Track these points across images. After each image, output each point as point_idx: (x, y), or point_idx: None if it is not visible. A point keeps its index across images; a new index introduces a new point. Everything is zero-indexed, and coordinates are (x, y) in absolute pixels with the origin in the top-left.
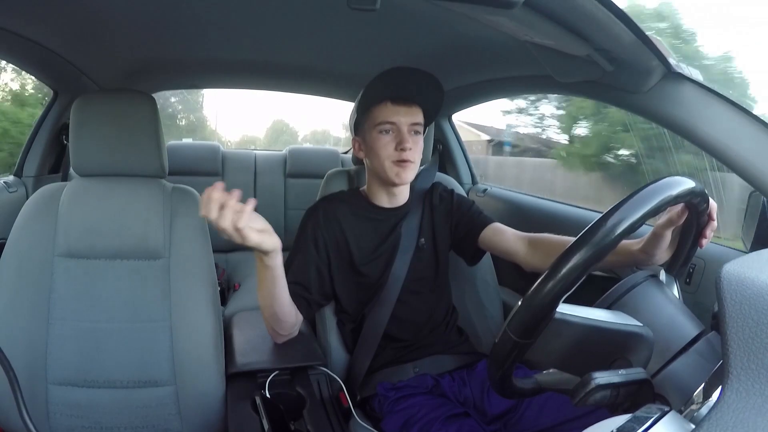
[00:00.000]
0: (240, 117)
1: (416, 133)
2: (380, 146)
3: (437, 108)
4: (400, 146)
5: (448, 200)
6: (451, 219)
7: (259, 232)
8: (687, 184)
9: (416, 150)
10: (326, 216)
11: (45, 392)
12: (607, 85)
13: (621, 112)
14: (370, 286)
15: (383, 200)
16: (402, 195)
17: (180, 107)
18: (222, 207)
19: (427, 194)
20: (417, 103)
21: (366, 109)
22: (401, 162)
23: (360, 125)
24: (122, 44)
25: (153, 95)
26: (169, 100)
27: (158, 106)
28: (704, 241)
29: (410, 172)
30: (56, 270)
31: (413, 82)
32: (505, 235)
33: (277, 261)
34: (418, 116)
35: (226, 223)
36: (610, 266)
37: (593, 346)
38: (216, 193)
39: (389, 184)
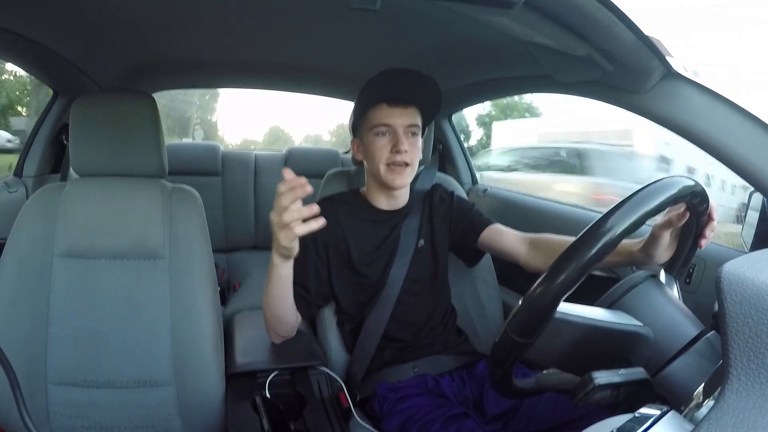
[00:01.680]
0: (241, 124)
1: (413, 134)
2: (376, 149)
3: (435, 109)
4: (395, 148)
5: (448, 202)
6: (451, 220)
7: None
8: (687, 184)
9: (413, 152)
10: (326, 217)
11: (45, 392)
12: (607, 85)
13: None
14: (369, 287)
15: (382, 202)
16: (402, 197)
17: (198, 121)
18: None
19: (427, 196)
20: (414, 105)
21: (363, 112)
22: (396, 165)
23: (358, 127)
24: (122, 44)
25: (162, 97)
26: (192, 119)
27: (181, 122)
28: (704, 242)
29: (406, 176)
30: (56, 270)
31: (409, 83)
32: (505, 236)
33: (291, 266)
34: (415, 118)
35: (292, 216)
36: (610, 266)
37: (593, 346)
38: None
39: (386, 188)
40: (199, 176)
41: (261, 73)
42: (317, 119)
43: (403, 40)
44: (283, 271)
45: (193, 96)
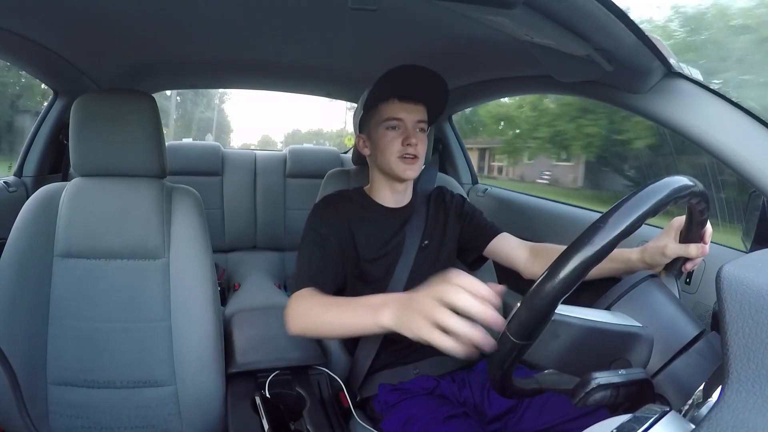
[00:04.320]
0: (240, 132)
1: (421, 131)
2: (387, 142)
3: (441, 108)
4: (406, 141)
5: (458, 205)
6: (462, 225)
7: None
8: (687, 184)
9: (422, 147)
10: (335, 213)
11: (45, 392)
12: (607, 85)
13: None
14: (372, 285)
15: (387, 200)
16: (406, 194)
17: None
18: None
19: (432, 196)
20: (423, 102)
21: (373, 106)
22: (408, 157)
23: (366, 122)
24: (122, 44)
25: (167, 97)
26: (229, 126)
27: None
28: (707, 248)
29: (416, 169)
30: (56, 270)
31: (421, 80)
32: (509, 243)
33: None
34: (424, 114)
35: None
36: (606, 274)
37: (592, 347)
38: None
39: (395, 180)
40: (199, 176)
41: (261, 74)
42: (308, 127)
43: (402, 40)
44: (379, 330)
45: (226, 115)
